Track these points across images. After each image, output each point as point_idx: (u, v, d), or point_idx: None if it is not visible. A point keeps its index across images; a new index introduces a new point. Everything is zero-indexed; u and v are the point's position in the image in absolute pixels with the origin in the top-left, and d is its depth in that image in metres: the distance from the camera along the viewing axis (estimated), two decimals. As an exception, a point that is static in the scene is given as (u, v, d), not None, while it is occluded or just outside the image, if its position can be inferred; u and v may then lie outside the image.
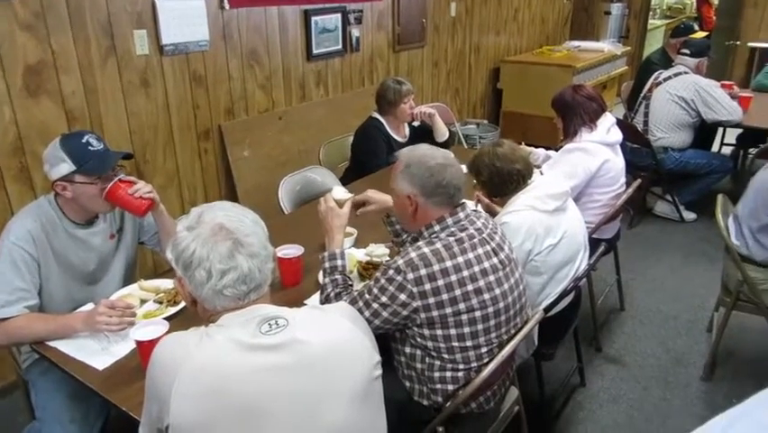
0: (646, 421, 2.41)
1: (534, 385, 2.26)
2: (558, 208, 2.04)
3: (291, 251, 1.94)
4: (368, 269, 1.99)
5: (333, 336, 1.15)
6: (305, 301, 1.82)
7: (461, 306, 1.54)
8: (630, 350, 2.86)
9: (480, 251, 1.59)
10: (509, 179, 2.03)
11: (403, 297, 1.51)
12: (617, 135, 2.69)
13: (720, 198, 2.56)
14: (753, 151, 4.76)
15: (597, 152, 2.61)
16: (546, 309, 2.06)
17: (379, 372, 1.18)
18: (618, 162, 2.71)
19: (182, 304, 1.76)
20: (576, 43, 6.36)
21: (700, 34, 5.39)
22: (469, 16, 5.29)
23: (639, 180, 2.82)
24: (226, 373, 1.04)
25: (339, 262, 1.74)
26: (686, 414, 2.44)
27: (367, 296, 1.58)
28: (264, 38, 3.42)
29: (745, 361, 2.73)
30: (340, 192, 1.90)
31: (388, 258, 2.04)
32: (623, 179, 2.75)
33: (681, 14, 10.69)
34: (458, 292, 1.53)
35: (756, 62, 6.51)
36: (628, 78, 5.83)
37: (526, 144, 2.99)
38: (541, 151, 3.02)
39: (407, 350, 1.63)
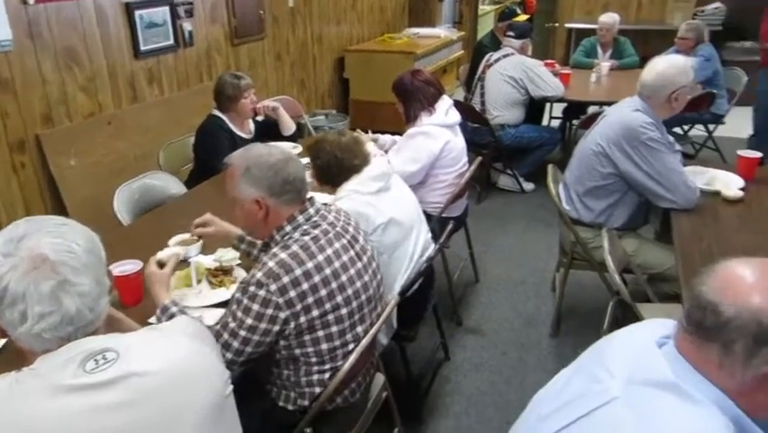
0: (506, 384, 2.57)
1: (402, 367, 2.30)
2: (381, 189, 2.07)
3: (129, 267, 1.78)
4: (217, 275, 1.89)
5: (175, 360, 1.01)
6: (149, 320, 1.68)
7: (327, 306, 1.50)
8: (488, 319, 3.03)
9: (337, 245, 1.56)
10: (346, 171, 2.03)
11: (270, 311, 1.43)
12: (456, 117, 2.81)
13: (550, 168, 2.77)
14: (576, 122, 5.24)
15: (438, 135, 2.70)
16: (402, 293, 2.10)
17: (230, 388, 1.10)
18: (459, 143, 2.82)
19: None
20: (415, 30, 6.56)
21: (523, 17, 5.79)
22: (308, 6, 5.23)
23: (480, 158, 2.98)
24: (44, 427, 0.88)
25: (174, 309, 1.57)
26: (540, 370, 2.63)
27: (231, 324, 1.45)
28: (81, 35, 3.11)
29: (586, 314, 3.00)
30: (165, 253, 1.84)
31: (238, 261, 1.95)
32: (465, 158, 2.88)
33: (508, 0, 11.48)
34: (323, 293, 1.49)
35: (573, 41, 7.15)
36: (465, 62, 6.14)
37: (374, 131, 3.04)
38: (387, 137, 3.06)
39: (273, 359, 1.57)
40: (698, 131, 4.83)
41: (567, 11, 7.62)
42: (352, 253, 1.58)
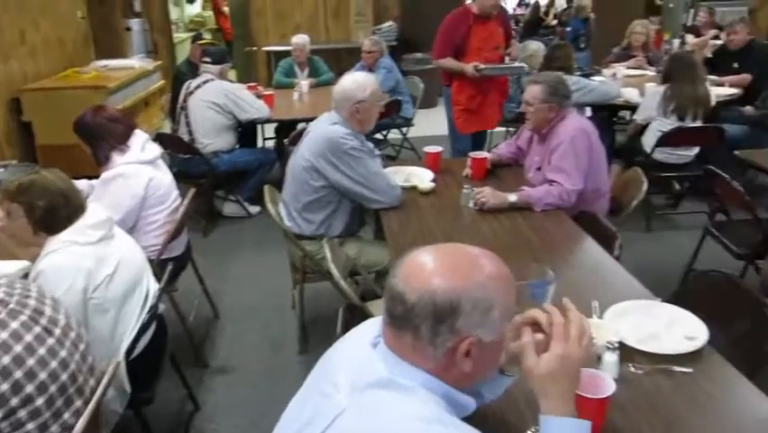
0: (263, 416, 2.47)
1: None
2: (104, 237, 1.84)
3: None
4: None
5: None
6: None
7: (14, 401, 1.22)
8: (234, 353, 2.89)
9: (15, 325, 1.28)
10: (65, 219, 1.74)
11: None
12: (155, 151, 2.61)
13: (266, 188, 2.77)
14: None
15: (138, 174, 2.48)
16: (128, 353, 1.87)
17: None
18: (165, 178, 2.63)
19: None
20: (104, 63, 6.00)
21: (207, 39, 5.75)
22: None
23: (193, 190, 2.82)
24: None
25: None
26: (295, 393, 2.59)
27: None
28: None
29: (330, 324, 3.06)
30: None
31: None
32: (175, 193, 2.70)
33: (204, 27, 11.35)
34: (4, 388, 1.20)
35: (274, 63, 7.36)
36: (167, 92, 5.85)
37: (72, 178, 2.65)
38: (83, 182, 2.71)
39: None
40: (394, 134, 5.38)
41: (262, 35, 7.83)
42: (37, 329, 1.32)
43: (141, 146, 2.55)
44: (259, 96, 4.45)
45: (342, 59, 7.25)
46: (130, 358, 1.87)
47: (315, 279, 2.79)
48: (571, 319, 1.04)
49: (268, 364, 2.80)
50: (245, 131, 4.91)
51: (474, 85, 3.92)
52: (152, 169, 2.56)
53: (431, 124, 5.92)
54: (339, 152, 2.46)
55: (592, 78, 5.07)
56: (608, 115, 4.79)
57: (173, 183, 2.70)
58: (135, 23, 6.92)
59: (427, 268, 0.94)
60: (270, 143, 5.53)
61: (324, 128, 2.53)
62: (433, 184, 2.69)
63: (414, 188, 2.69)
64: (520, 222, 2.36)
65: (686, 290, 1.95)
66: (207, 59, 4.14)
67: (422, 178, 2.75)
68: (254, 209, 4.41)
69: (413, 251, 0.99)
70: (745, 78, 4.64)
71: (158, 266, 2.51)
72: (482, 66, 3.77)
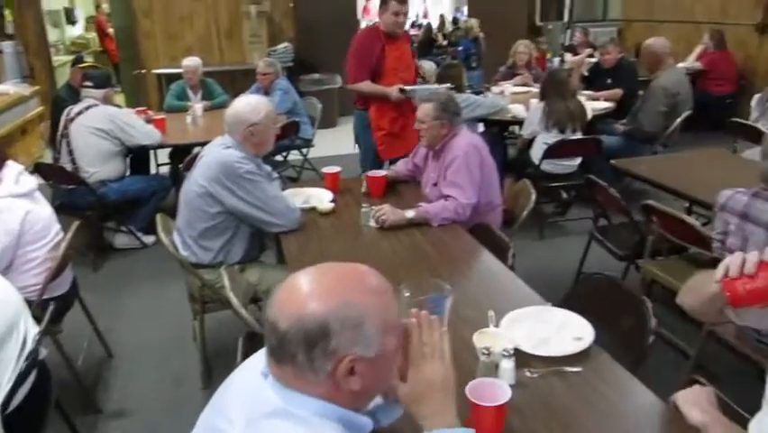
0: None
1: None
2: None
3: None
4: None
5: None
6: None
7: None
8: (131, 394, 2.72)
9: None
10: None
11: None
12: (30, 183, 2.41)
13: (159, 217, 2.65)
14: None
15: (12, 208, 2.27)
16: (3, 406, 1.70)
17: None
18: (43, 211, 2.44)
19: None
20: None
21: (89, 62, 5.49)
22: None
23: (77, 223, 2.64)
24: None
25: None
26: (199, 429, 2.47)
27: None
28: None
29: (233, 353, 2.95)
30: None
31: None
32: (56, 227, 2.51)
33: (87, 49, 10.76)
34: None
35: (165, 86, 7.10)
36: (46, 118, 5.48)
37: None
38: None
39: None
40: (295, 156, 5.33)
41: (152, 57, 7.54)
42: None
43: (15, 178, 2.35)
44: (149, 121, 4.26)
45: (238, 81, 7.12)
46: (6, 412, 1.70)
47: (215, 308, 2.69)
48: (424, 342, 1.06)
49: (168, 402, 2.65)
50: (137, 157, 4.69)
51: (396, 108, 3.77)
52: (29, 202, 2.36)
53: (331, 144, 5.95)
54: (234, 176, 2.40)
55: (484, 95, 5.33)
56: (498, 130, 5.03)
57: (53, 217, 2.51)
58: (7, 46, 6.44)
59: (298, 293, 0.93)
60: (165, 169, 5.31)
61: (218, 152, 2.46)
62: (332, 204, 2.69)
63: (313, 209, 2.67)
64: (419, 237, 2.41)
65: (575, 293, 2.06)
66: (89, 84, 3.91)
67: (321, 199, 2.74)
68: (149, 239, 4.19)
69: (292, 274, 0.97)
70: (617, 92, 5.05)
71: (39, 307, 2.33)
72: (408, 88, 3.68)
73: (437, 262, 2.18)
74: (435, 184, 2.73)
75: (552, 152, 3.97)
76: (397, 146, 3.82)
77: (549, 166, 4.11)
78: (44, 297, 2.37)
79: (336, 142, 6.13)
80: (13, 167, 2.37)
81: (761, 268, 1.01)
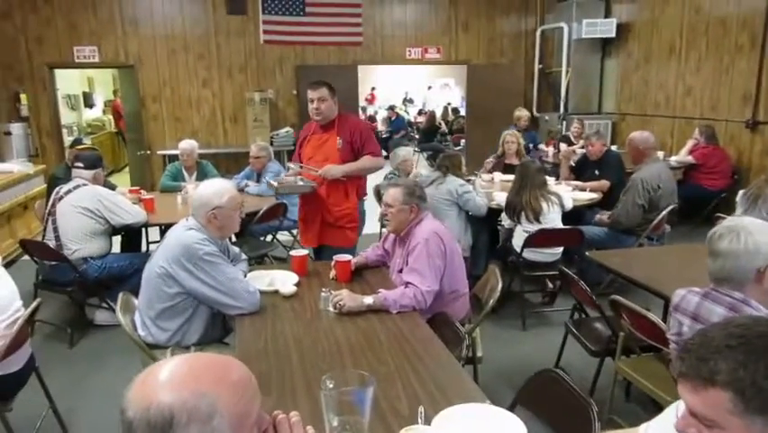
0: None
1: None
2: None
3: None
4: None
5: None
6: None
7: None
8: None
9: None
10: None
11: None
12: (-5, 259, 2.46)
13: (121, 295, 2.67)
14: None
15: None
16: None
17: None
18: (3, 287, 2.46)
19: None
20: (-22, 166, 5.76)
21: (86, 144, 5.71)
22: None
23: (38, 300, 2.65)
24: None
25: None
26: None
27: None
28: None
29: None
30: None
31: None
32: (17, 304, 2.52)
33: (103, 130, 11.22)
34: None
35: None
36: (43, 197, 5.64)
37: None
38: None
39: None
40: (285, 236, 5.38)
41: (159, 139, 7.83)
42: None
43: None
44: (139, 201, 4.36)
45: (240, 162, 7.34)
46: None
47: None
48: None
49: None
50: (129, 235, 4.77)
51: (301, 196, 3.85)
52: (-11, 277, 2.39)
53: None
54: (194, 258, 2.42)
55: (472, 182, 5.41)
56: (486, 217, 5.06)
57: (15, 294, 2.52)
58: (17, 128, 6.76)
59: (151, 381, 0.90)
60: (155, 247, 5.35)
61: (180, 233, 2.50)
62: (294, 288, 2.68)
63: (276, 292, 2.66)
64: (376, 324, 2.37)
65: (527, 389, 1.99)
66: (80, 165, 4.04)
67: (284, 282, 2.74)
68: (128, 317, 4.16)
69: (154, 364, 0.96)
70: (604, 184, 5.11)
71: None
72: (275, 181, 3.82)
73: (387, 351, 2.13)
74: (401, 270, 2.73)
75: (532, 241, 3.97)
76: (306, 236, 3.88)
77: (531, 254, 4.10)
78: (-4, 374, 2.35)
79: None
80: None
81: None
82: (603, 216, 4.59)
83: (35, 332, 3.91)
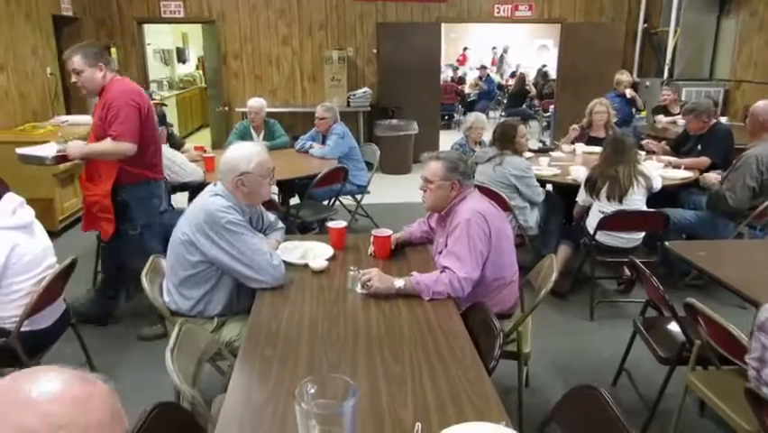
0: None
1: None
2: None
3: None
4: None
5: None
6: None
7: None
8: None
9: None
10: None
11: None
12: (27, 216, 2.44)
13: (152, 258, 2.58)
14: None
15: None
16: None
17: None
18: (37, 245, 2.45)
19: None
20: (64, 118, 6.00)
21: (157, 100, 5.75)
22: None
23: (71, 258, 2.63)
24: None
25: None
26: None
27: None
28: None
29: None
30: None
31: None
32: (49, 260, 2.51)
33: (194, 85, 11.54)
34: None
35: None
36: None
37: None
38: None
39: None
40: (348, 200, 5.23)
41: (239, 96, 7.86)
42: None
43: (12, 210, 2.38)
44: (201, 158, 4.34)
45: (315, 123, 7.23)
46: None
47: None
48: None
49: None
50: (194, 193, 4.79)
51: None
52: (20, 234, 2.38)
53: (401, 191, 5.77)
54: (217, 225, 2.28)
55: (551, 153, 4.96)
56: (560, 192, 4.62)
57: (47, 251, 2.52)
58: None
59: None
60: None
61: (204, 199, 2.37)
62: (325, 263, 2.48)
63: (306, 265, 2.49)
64: (403, 312, 2.14)
65: (564, 405, 1.70)
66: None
67: (316, 255, 2.56)
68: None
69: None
70: (703, 161, 4.49)
71: (16, 339, 2.32)
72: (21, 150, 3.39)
73: (407, 346, 1.90)
74: (441, 252, 2.46)
75: (606, 223, 3.54)
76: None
77: (605, 238, 3.67)
78: (24, 329, 2.35)
79: (403, 189, 5.97)
80: (11, 199, 2.40)
81: None
82: (712, 176, 4.01)
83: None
